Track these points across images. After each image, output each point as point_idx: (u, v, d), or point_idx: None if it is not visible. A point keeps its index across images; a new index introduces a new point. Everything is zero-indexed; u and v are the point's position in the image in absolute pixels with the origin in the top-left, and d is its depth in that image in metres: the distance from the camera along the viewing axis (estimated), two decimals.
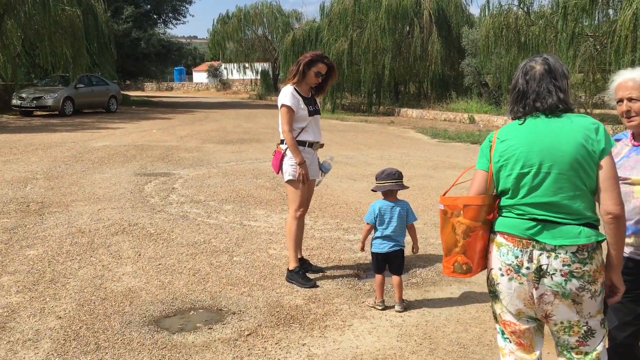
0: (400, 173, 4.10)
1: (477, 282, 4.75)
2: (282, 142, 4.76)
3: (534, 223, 2.19)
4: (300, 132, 4.68)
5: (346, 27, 28.83)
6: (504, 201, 2.30)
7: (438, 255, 5.49)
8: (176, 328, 3.90)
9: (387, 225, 4.01)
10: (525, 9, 21.61)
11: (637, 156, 2.57)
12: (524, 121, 2.28)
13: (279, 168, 4.75)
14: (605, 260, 2.24)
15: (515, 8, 21.80)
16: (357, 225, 6.59)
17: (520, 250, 2.21)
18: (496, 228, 2.31)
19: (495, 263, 2.30)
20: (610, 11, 19.11)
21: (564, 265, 2.14)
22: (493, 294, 2.38)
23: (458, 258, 2.35)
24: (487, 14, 22.91)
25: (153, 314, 4.12)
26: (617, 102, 2.60)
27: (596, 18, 18.49)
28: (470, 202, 2.30)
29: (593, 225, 2.19)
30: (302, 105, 4.68)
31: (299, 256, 4.91)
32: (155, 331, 3.84)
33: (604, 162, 2.15)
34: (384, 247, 4.04)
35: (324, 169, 4.93)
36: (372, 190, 4.22)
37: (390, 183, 4.02)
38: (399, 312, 4.11)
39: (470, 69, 26.03)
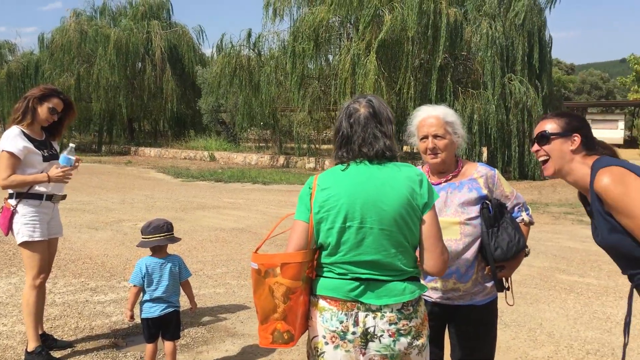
0: (171, 225, 3.60)
1: (251, 334, 4.44)
2: (10, 196, 3.85)
3: (357, 283, 1.98)
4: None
5: (72, 60, 26.78)
6: (325, 258, 2.04)
7: (204, 308, 5.06)
8: None
9: (157, 286, 3.46)
10: (257, 51, 22.67)
11: (445, 194, 2.54)
12: (347, 167, 2.06)
13: (9, 228, 3.82)
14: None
15: (246, 50, 22.72)
16: (106, 282, 5.77)
17: (345, 314, 1.98)
18: (317, 292, 2.04)
19: (319, 330, 2.02)
20: (330, 56, 21.19)
21: (390, 325, 1.97)
22: None
23: (278, 325, 2.00)
24: (220, 54, 23.42)
25: None
26: (421, 139, 2.55)
27: (319, 62, 20.27)
28: (289, 259, 1.98)
29: (415, 277, 2.06)
30: (34, 149, 3.84)
31: (40, 332, 4.01)
32: None
33: (427, 218, 2.02)
34: (155, 310, 3.47)
35: (67, 160, 3.87)
36: (138, 246, 3.63)
37: (158, 238, 3.49)
38: None
39: (207, 107, 26.26)
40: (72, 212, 9.86)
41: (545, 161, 2.19)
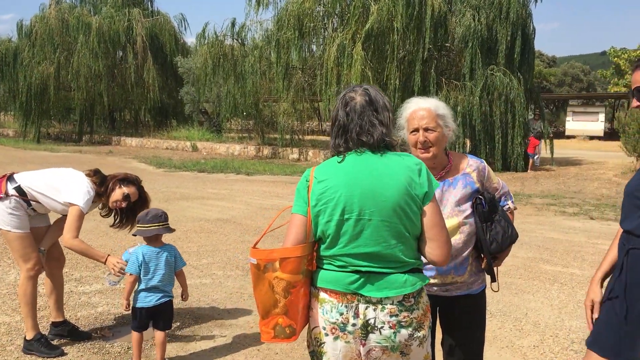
0: (166, 215, 3.60)
1: (238, 324, 4.43)
2: (11, 180, 3.75)
3: (357, 276, 1.96)
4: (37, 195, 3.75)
5: (53, 49, 26.31)
6: (324, 251, 2.02)
7: (191, 299, 5.03)
8: None
9: (153, 275, 3.45)
10: (240, 41, 22.46)
11: (440, 192, 2.48)
12: (344, 159, 2.03)
13: None
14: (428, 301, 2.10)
15: (230, 39, 22.49)
16: (91, 273, 5.71)
17: (345, 306, 1.96)
18: (318, 284, 2.02)
19: (319, 321, 2.01)
20: (313, 47, 21.04)
21: (391, 317, 1.96)
22: (316, 355, 2.07)
23: (279, 320, 1.98)
24: (203, 43, 23.13)
25: None
26: (411, 132, 2.45)
27: (304, 52, 20.09)
28: (288, 254, 1.95)
29: (417, 269, 2.04)
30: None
31: (61, 319, 4.12)
32: None
33: (428, 208, 1.99)
34: (150, 300, 3.45)
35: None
36: (133, 234, 3.60)
37: (157, 227, 3.49)
38: None
39: (189, 97, 26.01)
40: None
41: None
